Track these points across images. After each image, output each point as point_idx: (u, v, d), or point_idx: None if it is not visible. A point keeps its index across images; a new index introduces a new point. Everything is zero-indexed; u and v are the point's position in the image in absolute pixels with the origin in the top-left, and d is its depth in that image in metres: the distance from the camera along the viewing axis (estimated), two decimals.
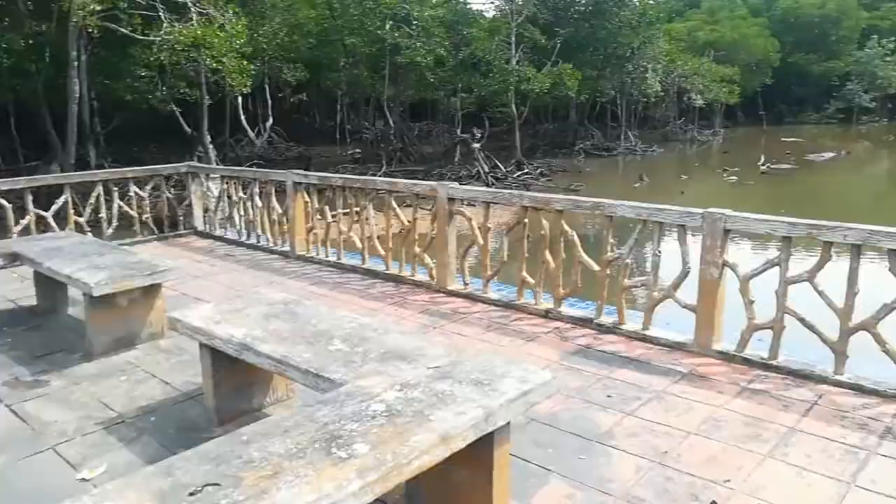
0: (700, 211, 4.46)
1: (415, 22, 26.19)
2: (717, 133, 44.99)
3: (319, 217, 7.46)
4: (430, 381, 2.76)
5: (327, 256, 7.40)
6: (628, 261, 4.95)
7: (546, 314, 5.45)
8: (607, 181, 30.02)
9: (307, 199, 7.50)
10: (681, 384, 4.18)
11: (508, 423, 2.64)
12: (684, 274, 4.67)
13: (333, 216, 7.30)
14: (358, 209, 6.97)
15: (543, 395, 2.79)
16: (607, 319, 5.15)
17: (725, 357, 4.46)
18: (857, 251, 3.87)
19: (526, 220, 5.56)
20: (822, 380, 4.07)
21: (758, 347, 4.44)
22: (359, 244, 7.01)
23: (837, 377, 4.02)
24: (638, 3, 33.34)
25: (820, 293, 4.03)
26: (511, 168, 29.10)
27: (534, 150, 34.60)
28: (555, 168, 31.15)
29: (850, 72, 49.47)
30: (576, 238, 5.25)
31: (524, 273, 5.66)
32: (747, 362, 4.36)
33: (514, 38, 29.34)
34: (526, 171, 29.25)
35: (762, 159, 30.88)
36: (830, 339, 4.06)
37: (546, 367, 4.45)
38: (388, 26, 25.85)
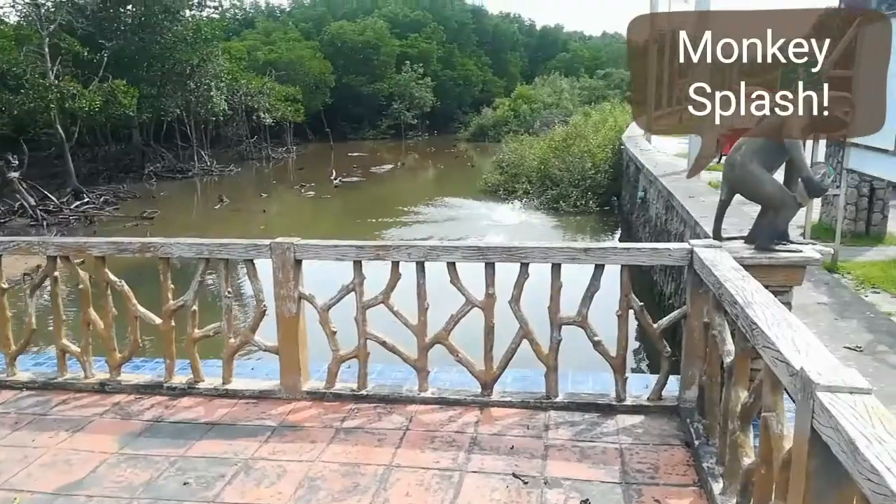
0: (267, 242, 3.98)
1: None
2: (290, 150, 46.52)
3: None
4: None
5: None
6: (195, 307, 4.20)
7: (102, 387, 4.33)
8: (185, 205, 28.29)
9: None
10: (272, 442, 3.64)
11: None
12: (261, 313, 4.14)
13: None
14: None
15: None
16: (181, 379, 4.31)
17: (317, 397, 4.09)
18: (421, 268, 3.87)
19: (56, 273, 4.33)
20: (411, 400, 4.00)
21: (349, 379, 4.19)
22: None
23: (423, 394, 4.00)
24: (190, 20, 32.06)
25: (395, 313, 3.94)
26: (67, 198, 25.12)
27: (95, 176, 30.58)
28: (123, 195, 28.03)
29: (394, 93, 56.65)
30: (126, 287, 4.27)
31: (64, 340, 4.42)
32: (339, 398, 4.07)
33: (48, 49, 25.18)
34: (86, 200, 25.62)
35: (334, 174, 32.98)
36: (411, 357, 4.02)
37: (101, 464, 3.43)
38: None
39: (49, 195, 24.29)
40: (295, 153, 46.76)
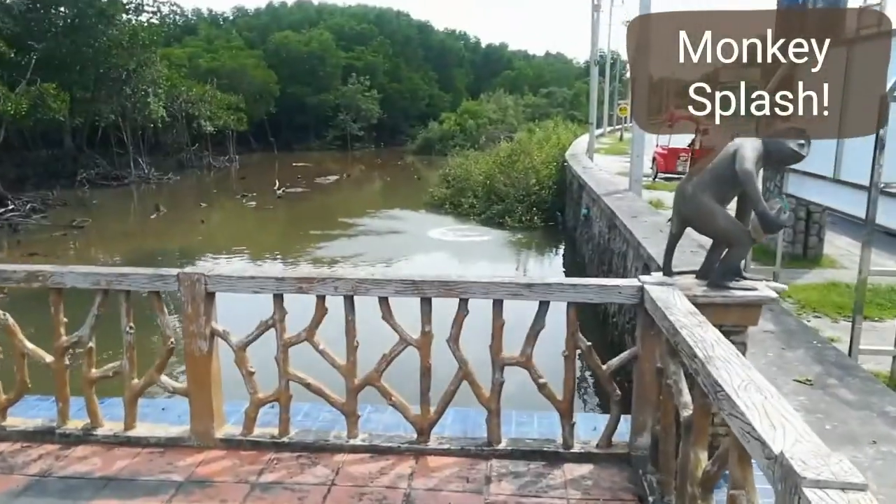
0: (174, 272, 3.52)
1: None
2: (232, 159, 45.23)
3: None
4: None
5: None
6: (92, 344, 3.71)
7: None
8: (119, 214, 27.02)
9: None
10: (176, 503, 3.18)
11: None
12: (168, 351, 3.68)
13: None
14: None
15: None
16: (77, 424, 3.80)
17: (232, 445, 3.64)
18: (350, 302, 3.49)
19: None
20: (338, 448, 3.60)
21: (271, 422, 3.76)
22: None
23: (352, 442, 3.61)
24: (127, 24, 30.79)
25: (321, 352, 3.55)
26: None
27: (22, 182, 28.93)
28: (52, 202, 26.62)
29: (340, 104, 55.87)
30: (10, 320, 3.75)
31: None
32: (257, 446, 3.63)
33: None
34: (11, 207, 24.22)
35: (277, 184, 32.14)
36: (339, 401, 3.63)
37: None
38: None
39: None
40: (237, 162, 45.52)
